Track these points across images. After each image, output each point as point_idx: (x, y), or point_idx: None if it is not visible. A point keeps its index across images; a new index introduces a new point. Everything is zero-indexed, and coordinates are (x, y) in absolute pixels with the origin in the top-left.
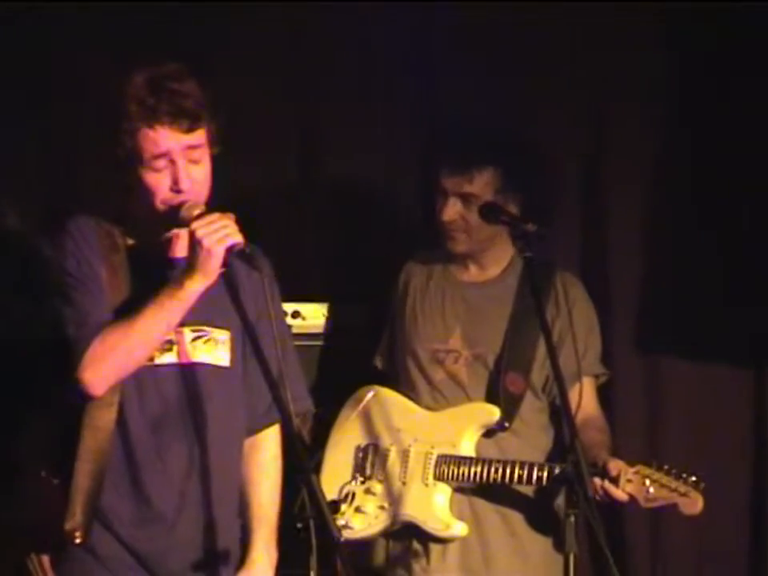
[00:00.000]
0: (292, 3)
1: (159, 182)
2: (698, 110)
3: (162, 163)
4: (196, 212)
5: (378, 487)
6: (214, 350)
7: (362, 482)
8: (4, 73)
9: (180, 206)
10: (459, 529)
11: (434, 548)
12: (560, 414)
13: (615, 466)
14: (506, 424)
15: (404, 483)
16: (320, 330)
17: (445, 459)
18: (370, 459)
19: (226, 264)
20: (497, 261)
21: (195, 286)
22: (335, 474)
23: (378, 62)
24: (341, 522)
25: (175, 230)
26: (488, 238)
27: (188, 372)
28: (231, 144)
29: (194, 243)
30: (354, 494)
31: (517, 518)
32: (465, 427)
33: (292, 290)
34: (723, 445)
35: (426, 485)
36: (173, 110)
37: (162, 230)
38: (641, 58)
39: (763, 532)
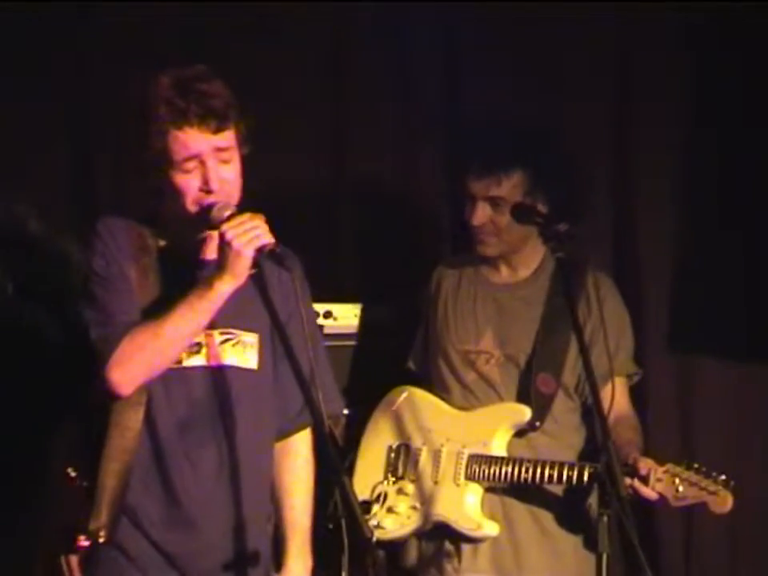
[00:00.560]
0: (321, 3)
1: (189, 184)
2: (723, 108)
3: (191, 165)
4: (227, 213)
5: (409, 487)
6: (242, 352)
7: (394, 483)
8: (28, 74)
9: (211, 207)
10: (491, 528)
11: (466, 548)
12: (592, 414)
13: (645, 464)
14: (537, 424)
15: (436, 483)
16: (352, 330)
17: (476, 459)
18: (402, 459)
19: (255, 265)
20: (528, 262)
21: (225, 288)
22: (367, 474)
23: (405, 62)
24: (373, 522)
25: (208, 232)
26: (518, 240)
27: (216, 374)
28: (263, 144)
29: (224, 245)
30: (386, 495)
31: (548, 517)
32: (496, 427)
33: (324, 291)
34: (757, 443)
35: (458, 485)
36: (201, 111)
37: (193, 231)
38: (665, 57)
39: None
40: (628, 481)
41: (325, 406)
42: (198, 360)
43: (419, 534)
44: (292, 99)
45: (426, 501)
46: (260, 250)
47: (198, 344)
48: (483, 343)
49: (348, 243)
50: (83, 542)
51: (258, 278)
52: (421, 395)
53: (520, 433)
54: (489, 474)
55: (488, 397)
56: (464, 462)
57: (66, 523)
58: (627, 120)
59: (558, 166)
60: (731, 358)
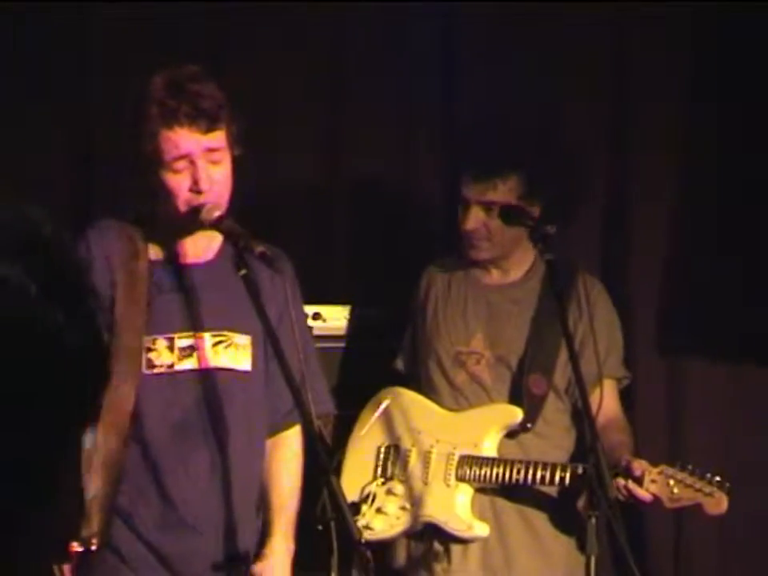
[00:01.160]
0: (315, 3)
1: (180, 184)
2: (722, 109)
3: (182, 165)
4: (216, 214)
5: (399, 488)
6: (235, 354)
7: (384, 483)
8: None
9: (201, 207)
10: (481, 529)
11: (456, 549)
12: (582, 416)
13: (639, 466)
14: (529, 425)
15: (426, 484)
16: (341, 331)
17: (467, 460)
18: (392, 460)
19: (246, 266)
20: (519, 264)
21: None
22: (356, 475)
23: (401, 62)
24: (362, 522)
25: (189, 236)
26: (510, 242)
27: (208, 377)
28: (254, 145)
29: None
30: (375, 495)
31: (538, 518)
32: (487, 428)
33: (313, 292)
34: (747, 445)
35: (448, 485)
36: (192, 112)
37: (183, 231)
38: (665, 56)
39: None
40: (622, 482)
41: (315, 407)
42: (190, 363)
43: (408, 535)
44: (287, 98)
45: (415, 502)
46: (251, 251)
47: (191, 347)
48: (474, 344)
49: (338, 245)
50: (76, 548)
51: (248, 279)
52: (409, 396)
53: (511, 434)
54: (480, 474)
55: (478, 398)
56: (454, 463)
57: (64, 533)
58: (620, 120)
59: (553, 170)
60: (720, 360)
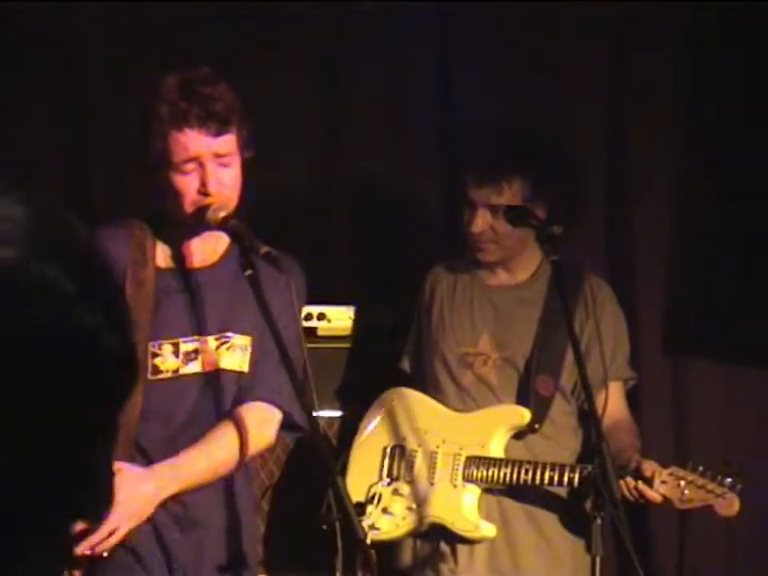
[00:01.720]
0: (317, 3)
1: (188, 185)
2: (722, 110)
3: (190, 166)
4: (222, 215)
5: (405, 488)
6: (236, 355)
7: (389, 484)
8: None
9: (207, 208)
10: (488, 530)
11: (462, 549)
12: (589, 417)
13: (649, 467)
14: (537, 426)
15: (432, 484)
16: (346, 332)
17: (474, 460)
18: (398, 460)
19: (251, 266)
20: (525, 266)
21: None
22: (362, 475)
23: (404, 63)
24: (368, 522)
25: (194, 239)
26: (517, 244)
27: (212, 379)
28: (258, 147)
29: None
30: (380, 496)
31: (545, 518)
32: (494, 429)
33: (317, 293)
34: (752, 445)
35: (455, 486)
36: (202, 114)
37: (190, 232)
38: (664, 57)
39: None
40: (632, 483)
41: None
42: (195, 367)
43: (414, 536)
44: (289, 100)
45: (422, 502)
46: (256, 252)
47: (195, 351)
48: (480, 345)
49: (342, 245)
50: (85, 551)
51: (254, 280)
52: (415, 397)
53: (517, 435)
54: (487, 475)
55: (485, 399)
56: (461, 464)
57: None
58: (623, 121)
59: (558, 171)
60: (726, 360)
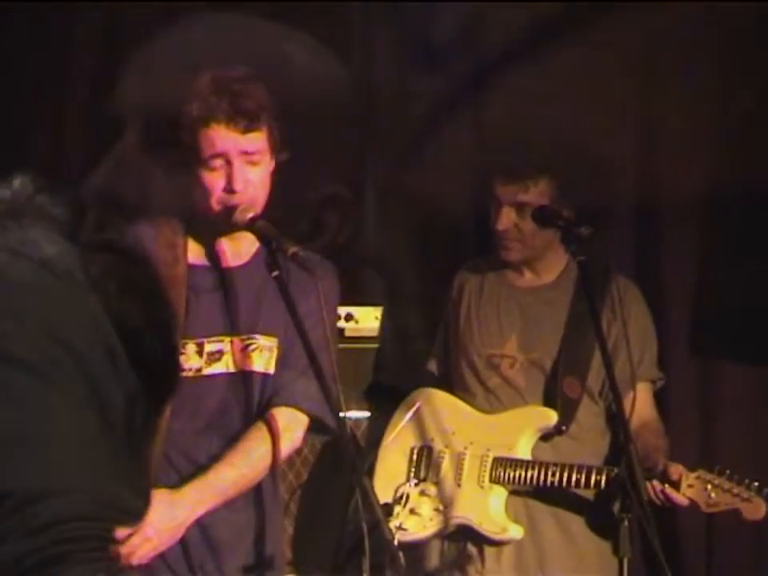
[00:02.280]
0: (315, 3)
1: (214, 182)
2: (754, 109)
3: (218, 163)
4: (249, 215)
5: (432, 489)
6: (262, 357)
7: (417, 484)
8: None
9: (235, 208)
10: (515, 531)
11: (489, 551)
12: (615, 418)
13: (676, 470)
14: (564, 428)
15: (459, 485)
16: (373, 332)
17: (501, 462)
18: (425, 461)
19: (278, 267)
20: (552, 266)
21: None
22: (389, 476)
23: (427, 64)
24: (395, 524)
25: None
26: (543, 245)
27: (238, 381)
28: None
29: None
30: (408, 496)
31: (572, 520)
32: (522, 430)
33: (345, 293)
34: None
35: (482, 487)
36: (230, 110)
37: (219, 231)
38: (692, 58)
39: None
40: (658, 486)
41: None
42: (220, 367)
43: (441, 537)
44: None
45: (449, 503)
46: (284, 253)
47: (220, 351)
48: (507, 347)
49: (369, 246)
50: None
51: (281, 280)
52: (442, 398)
53: (544, 437)
54: (514, 477)
55: (512, 401)
56: (488, 465)
57: None
58: (650, 121)
59: (585, 172)
60: (753, 361)
